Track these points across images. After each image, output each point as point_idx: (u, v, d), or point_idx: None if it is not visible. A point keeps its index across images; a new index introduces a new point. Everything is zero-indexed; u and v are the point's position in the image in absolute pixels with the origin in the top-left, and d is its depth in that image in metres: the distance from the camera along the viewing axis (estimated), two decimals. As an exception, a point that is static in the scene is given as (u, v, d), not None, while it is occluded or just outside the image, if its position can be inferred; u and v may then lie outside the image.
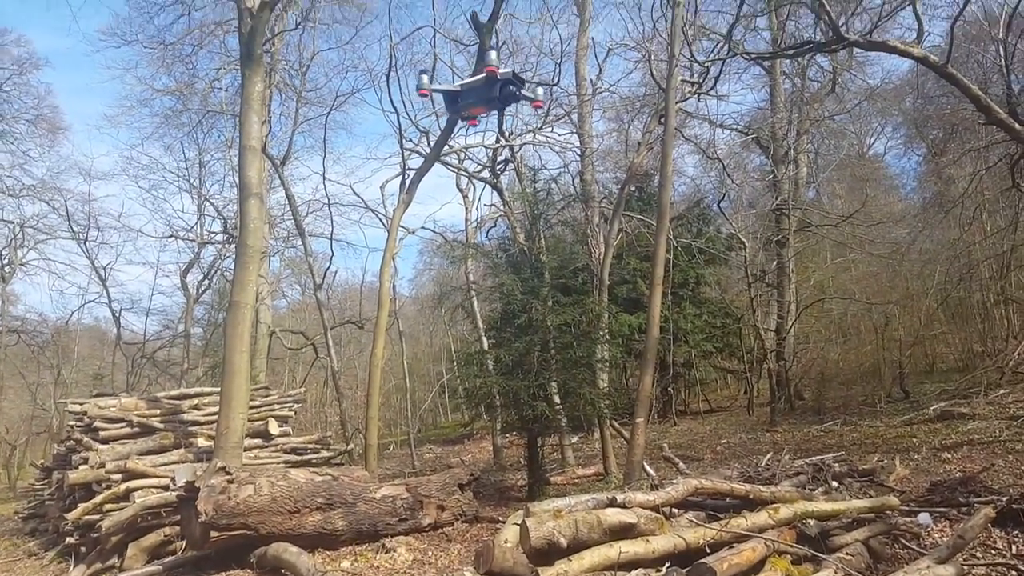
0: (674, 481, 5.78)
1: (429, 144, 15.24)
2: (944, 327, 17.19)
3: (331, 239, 20.84)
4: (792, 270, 19.50)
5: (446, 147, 13.85)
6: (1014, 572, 5.21)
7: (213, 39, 19.89)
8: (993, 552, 5.61)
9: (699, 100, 17.38)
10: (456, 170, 18.33)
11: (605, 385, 13.79)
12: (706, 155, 19.28)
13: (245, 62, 9.47)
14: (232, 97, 19.85)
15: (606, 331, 13.27)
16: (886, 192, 25.71)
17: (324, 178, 19.64)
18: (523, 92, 6.98)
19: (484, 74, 6.93)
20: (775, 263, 19.58)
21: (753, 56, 18.09)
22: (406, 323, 29.77)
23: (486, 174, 17.52)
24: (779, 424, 15.28)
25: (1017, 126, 10.29)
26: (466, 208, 19.34)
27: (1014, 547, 5.63)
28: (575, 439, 16.91)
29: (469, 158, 18.14)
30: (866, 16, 15.83)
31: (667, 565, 4.59)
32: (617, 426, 13.88)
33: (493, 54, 6.69)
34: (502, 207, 17.29)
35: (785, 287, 18.83)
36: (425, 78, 7.61)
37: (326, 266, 22.11)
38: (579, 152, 18.16)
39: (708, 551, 4.72)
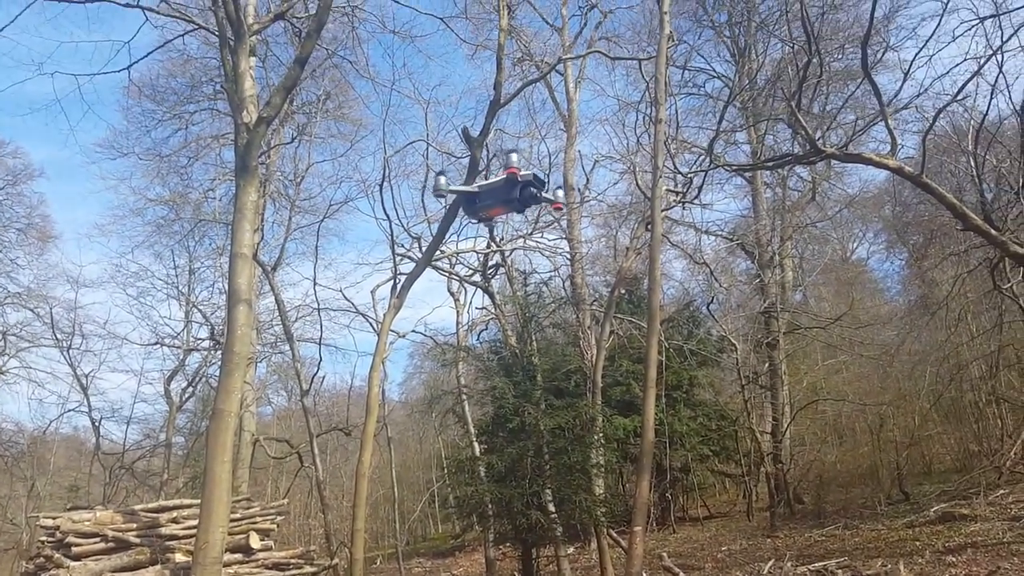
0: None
1: (421, 249, 15.54)
2: (939, 427, 17.08)
3: (320, 344, 20.69)
4: (784, 372, 19.53)
5: (437, 252, 14.11)
6: None
7: (209, 151, 20.62)
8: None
9: (684, 208, 17.95)
10: (447, 274, 18.59)
11: (601, 491, 13.40)
12: (693, 260, 19.71)
13: (240, 173, 9.67)
14: (226, 206, 20.31)
15: (601, 435, 13.04)
16: (871, 295, 26.21)
17: (315, 283, 19.78)
18: (543, 194, 7.07)
19: (504, 175, 6.94)
20: (767, 365, 19.62)
21: (734, 168, 18.96)
22: (395, 429, 29.15)
23: (477, 278, 17.76)
24: (780, 529, 14.86)
25: (993, 232, 10.67)
26: (457, 311, 19.45)
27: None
28: (571, 550, 16.25)
29: (460, 262, 18.45)
30: (842, 130, 16.80)
31: None
32: (615, 535, 13.39)
33: (515, 156, 6.79)
34: (493, 310, 17.42)
35: (778, 389, 18.79)
36: (443, 179, 7.70)
37: (314, 372, 21.89)
38: (569, 257, 18.56)
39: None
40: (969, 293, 16.92)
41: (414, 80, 32.04)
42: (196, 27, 12.10)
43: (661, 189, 13.63)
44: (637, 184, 16.78)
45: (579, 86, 20.69)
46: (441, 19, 13.84)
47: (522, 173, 6.78)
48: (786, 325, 19.86)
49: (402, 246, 17.16)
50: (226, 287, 11.45)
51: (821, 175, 22.23)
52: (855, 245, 29.93)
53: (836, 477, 17.20)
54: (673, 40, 14.09)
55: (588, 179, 19.30)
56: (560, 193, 7.36)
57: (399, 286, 12.64)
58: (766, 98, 21.25)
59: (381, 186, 14.09)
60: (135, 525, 10.60)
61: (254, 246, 11.59)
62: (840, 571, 7.32)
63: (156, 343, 24.28)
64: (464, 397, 16.30)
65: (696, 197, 16.75)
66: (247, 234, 9.78)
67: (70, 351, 23.76)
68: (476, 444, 14.78)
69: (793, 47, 16.78)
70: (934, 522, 12.01)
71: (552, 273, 18.66)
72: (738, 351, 17.94)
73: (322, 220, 19.35)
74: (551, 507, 11.40)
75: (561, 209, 7.90)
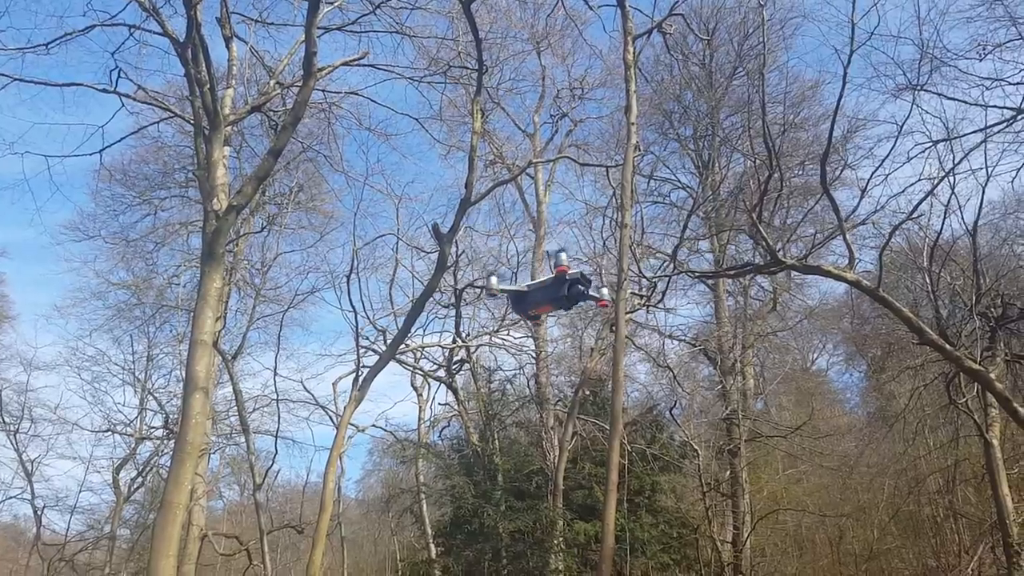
0: None
1: (385, 342, 15.52)
2: (897, 541, 16.98)
3: (276, 437, 20.10)
4: (746, 480, 19.40)
5: (402, 345, 14.12)
6: None
7: (176, 237, 20.61)
8: None
9: (648, 312, 18.35)
10: (411, 368, 18.48)
11: (559, 601, 12.92)
12: (656, 363, 19.95)
13: (206, 260, 9.66)
14: (190, 293, 20.10)
15: (561, 539, 12.70)
16: (831, 405, 26.56)
17: (275, 373, 19.43)
18: (589, 291, 7.21)
19: (553, 274, 7.08)
20: (728, 472, 19.51)
21: (697, 275, 19.57)
22: (349, 528, 27.95)
23: (441, 373, 17.70)
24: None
25: (948, 347, 11.09)
26: (420, 407, 19.24)
27: None
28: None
29: (425, 357, 18.41)
30: (802, 242, 17.61)
31: None
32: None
33: (564, 255, 6.95)
34: (456, 407, 17.26)
35: (739, 497, 18.61)
36: (494, 279, 7.86)
37: (268, 465, 21.12)
38: (534, 355, 18.65)
39: None
40: (926, 407, 17.27)
41: (387, 176, 32.64)
42: (172, 115, 12.40)
43: (626, 292, 13.97)
44: (603, 286, 17.19)
45: (549, 189, 21.50)
46: (416, 120, 14.40)
47: (570, 272, 6.94)
48: (747, 433, 19.93)
49: (367, 338, 17.16)
50: (184, 374, 11.23)
51: (782, 286, 23.01)
52: (815, 356, 30.58)
53: (797, 590, 16.85)
54: (639, 150, 14.88)
55: (556, 280, 19.70)
56: (605, 291, 7.54)
57: (361, 379, 12.56)
58: (729, 209, 22.23)
59: (348, 277, 14.21)
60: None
61: (215, 334, 11.48)
62: None
63: (108, 430, 23.38)
64: (423, 496, 15.86)
65: (660, 301, 17.19)
66: (209, 321, 9.71)
67: (17, 435, 22.75)
68: (432, 546, 14.28)
69: (755, 162, 17.81)
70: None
71: (517, 371, 18.71)
72: (700, 457, 17.87)
73: (286, 309, 19.31)
74: (507, 616, 10.94)
75: (607, 307, 8.05)
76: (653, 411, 22.48)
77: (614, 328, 13.16)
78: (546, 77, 20.78)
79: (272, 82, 12.61)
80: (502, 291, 8.06)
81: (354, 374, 14.59)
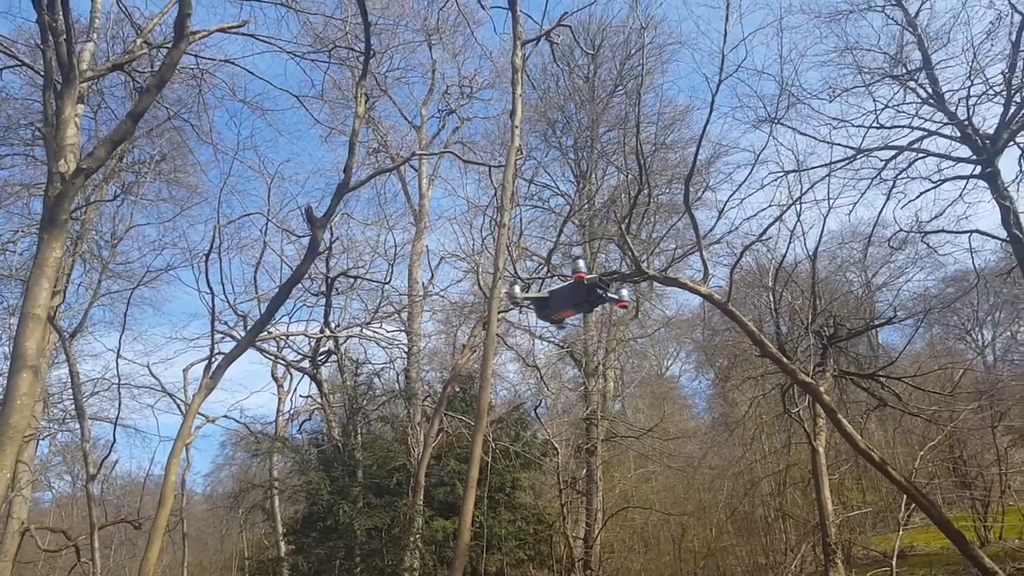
0: None
1: (246, 328, 14.76)
2: (733, 539, 18.35)
3: (116, 423, 18.52)
4: (600, 478, 20.25)
5: (264, 333, 13.49)
6: None
7: (16, 200, 18.54)
8: None
9: (521, 312, 18.70)
10: (273, 358, 17.71)
11: (411, 597, 12.85)
12: (525, 363, 20.37)
13: (46, 226, 8.82)
14: (26, 262, 18.15)
15: (419, 536, 12.63)
16: (680, 410, 28.31)
17: (119, 355, 17.74)
18: (609, 293, 7.20)
19: (572, 280, 7.06)
20: (585, 471, 20.27)
21: (568, 279, 20.22)
22: (194, 524, 26.36)
23: (306, 364, 17.08)
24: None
25: (785, 360, 12.11)
26: (280, 398, 18.44)
27: None
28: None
29: (289, 346, 17.71)
30: (664, 256, 18.61)
31: None
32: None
33: (581, 262, 6.97)
34: (319, 399, 16.71)
35: (593, 495, 19.38)
36: (517, 289, 7.76)
37: (105, 454, 19.42)
38: (406, 349, 18.45)
39: None
40: (763, 415, 18.80)
41: (260, 153, 30.94)
42: (19, 64, 11.23)
43: (500, 290, 14.19)
44: (479, 284, 17.34)
45: (432, 183, 21.38)
46: (297, 97, 13.79)
47: (588, 277, 6.95)
48: (605, 433, 20.81)
49: (225, 323, 16.23)
50: (11, 351, 10.13)
51: (644, 295, 24.28)
52: (669, 362, 32.49)
53: (639, 585, 17.80)
54: (522, 153, 15.15)
55: (433, 274, 19.65)
56: (625, 292, 7.53)
57: (215, 365, 11.86)
58: (601, 219, 23.19)
59: (208, 256, 13.33)
60: None
61: (51, 308, 10.44)
62: None
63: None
64: (275, 491, 15.23)
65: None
66: (44, 293, 8.84)
67: None
68: (282, 543, 13.74)
69: (627, 177, 18.69)
70: (725, 630, 12.68)
71: (387, 364, 18.43)
72: (560, 455, 18.43)
73: (136, 286, 17.82)
74: (357, 614, 10.74)
75: (626, 306, 8.06)
76: (519, 409, 22.92)
77: (486, 326, 13.32)
78: (436, 71, 20.62)
79: (139, 41, 11.63)
80: (526, 299, 8.08)
81: (208, 360, 13.70)
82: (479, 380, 14.40)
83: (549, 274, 16.81)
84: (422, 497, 14.54)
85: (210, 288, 13.88)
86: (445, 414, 16.92)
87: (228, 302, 16.61)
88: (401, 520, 12.14)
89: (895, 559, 14.64)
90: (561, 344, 23.38)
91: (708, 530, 17.76)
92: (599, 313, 25.63)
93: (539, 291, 16.38)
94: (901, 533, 15.75)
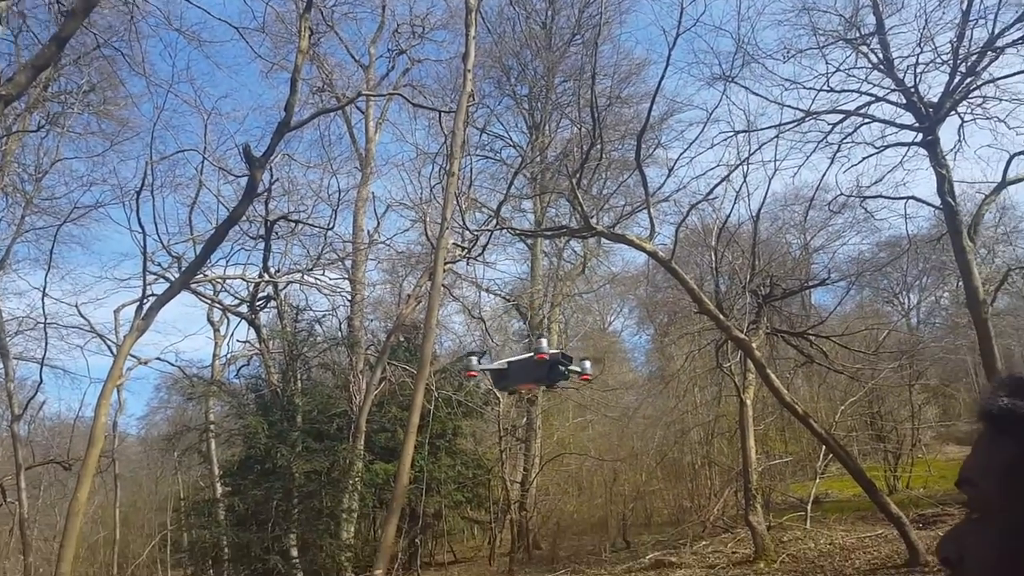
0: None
1: (180, 270, 14.35)
2: (661, 484, 19.23)
3: (42, 364, 17.88)
4: (539, 426, 20.75)
5: (200, 275, 13.14)
6: None
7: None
8: None
9: (468, 264, 18.68)
10: (210, 301, 17.30)
11: (349, 536, 13.05)
12: (471, 315, 20.47)
13: (-32, 154, 8.39)
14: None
15: (358, 479, 12.77)
16: (620, 363, 29.04)
17: (44, 294, 16.99)
18: (571, 367, 7.02)
19: (535, 359, 6.83)
20: (525, 419, 20.72)
21: (517, 232, 20.27)
22: (128, 466, 26.03)
23: (243, 309, 16.75)
24: (517, 573, 15.73)
25: (721, 317, 12.53)
26: (216, 343, 18.10)
27: None
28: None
29: (226, 290, 17.30)
30: (613, 212, 18.77)
31: None
32: (357, 581, 13.05)
33: (544, 342, 6.74)
34: (258, 345, 16.47)
35: (532, 441, 19.90)
36: (474, 359, 7.47)
37: (32, 395, 18.80)
38: (349, 297, 18.27)
39: None
40: (697, 369, 19.45)
41: (196, 87, 29.31)
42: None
43: (447, 241, 14.10)
44: (426, 234, 17.19)
45: (380, 127, 20.85)
46: (236, 28, 13.13)
47: (551, 352, 6.80)
48: (547, 383, 21.21)
49: (158, 264, 15.73)
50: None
51: (592, 251, 24.55)
52: (612, 318, 33.13)
53: (572, 525, 18.59)
54: (474, 99, 14.88)
55: (379, 222, 19.37)
56: (588, 364, 7.38)
57: (147, 307, 11.55)
58: (553, 173, 23.15)
59: (139, 194, 12.81)
60: None
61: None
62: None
63: None
64: (212, 434, 15.10)
65: (480, 255, 17.58)
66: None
67: None
68: (219, 485, 13.70)
69: (580, 130, 18.65)
70: (647, 568, 13.55)
71: (328, 312, 18.22)
72: (501, 404, 18.76)
73: (63, 223, 17.04)
74: (294, 552, 10.86)
75: (588, 380, 7.96)
76: (464, 360, 23.16)
77: (432, 277, 13.29)
78: (386, 8, 19.88)
79: (63, -43, 10.87)
80: (484, 370, 7.90)
81: (140, 302, 13.28)
82: (423, 330, 14.46)
83: (498, 226, 16.81)
84: (363, 442, 14.66)
85: (141, 227, 13.40)
86: (388, 363, 16.94)
87: (161, 242, 16.03)
88: (341, 464, 12.26)
89: (810, 504, 15.59)
90: (507, 297, 23.57)
91: (639, 475, 18.54)
92: (546, 268, 25.89)
93: (467, 242, 16.35)
94: (818, 481, 16.74)
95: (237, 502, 10.68)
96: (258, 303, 16.34)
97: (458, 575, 17.66)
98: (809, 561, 11.87)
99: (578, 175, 13.18)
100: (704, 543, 14.64)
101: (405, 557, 19.40)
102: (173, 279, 13.07)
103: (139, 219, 13.07)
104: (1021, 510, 0.54)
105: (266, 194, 14.80)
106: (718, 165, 13.79)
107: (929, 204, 14.31)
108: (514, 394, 8.84)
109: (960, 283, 13.51)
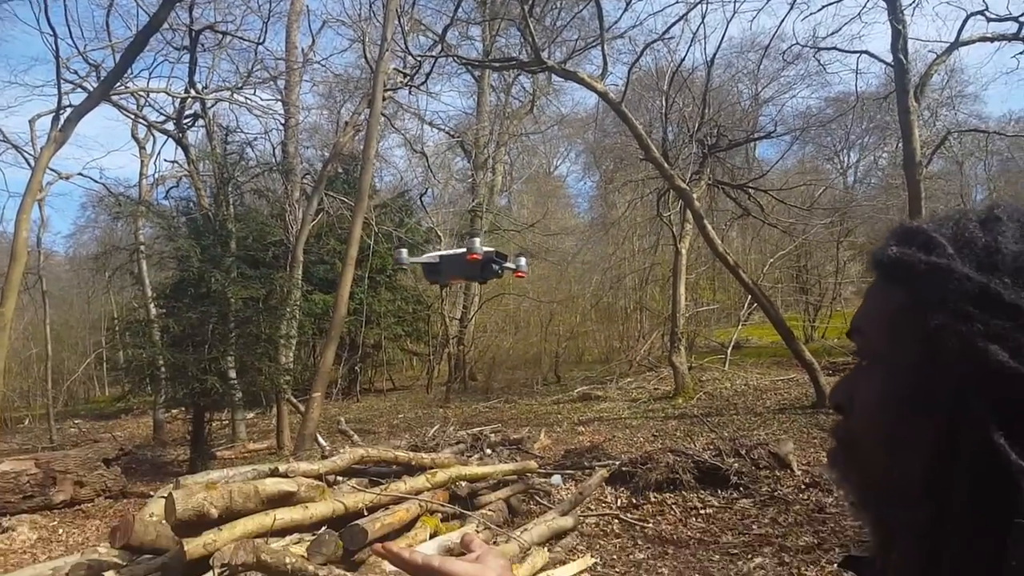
0: (341, 451, 5.83)
1: (99, 79, 13.16)
2: (594, 325, 20.16)
3: (-47, 176, 16.70)
4: (480, 267, 21.03)
5: (121, 87, 12.09)
6: (616, 520, 6.27)
7: None
8: (604, 505, 6.69)
9: (411, 93, 17.78)
10: (133, 116, 16.12)
11: (288, 361, 13.33)
12: (413, 148, 19.84)
13: None
14: None
15: (296, 307, 12.80)
16: (564, 208, 29.17)
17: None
18: (506, 264, 6.55)
19: (467, 258, 6.28)
20: (466, 259, 20.92)
21: (463, 61, 19.17)
22: (56, 284, 25.44)
23: (170, 126, 15.70)
24: (452, 401, 16.61)
25: (666, 165, 12.47)
26: (142, 161, 17.10)
27: (619, 500, 6.78)
28: (251, 415, 16.06)
29: (150, 104, 16.09)
30: (566, 48, 17.85)
31: (323, 528, 4.63)
32: (295, 402, 13.47)
33: (477, 241, 6.18)
34: (187, 166, 15.64)
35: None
36: (404, 252, 6.84)
37: (-58, 207, 17.72)
38: (283, 121, 17.30)
39: (366, 514, 4.86)
40: (638, 217, 19.75)
41: None
42: None
43: (387, 65, 13.25)
44: (365, 56, 16.10)
45: (317, -67, 18.72)
46: None
47: (484, 251, 6.29)
48: (489, 225, 21.25)
49: (75, 72, 14.36)
50: None
51: (541, 89, 23.65)
52: (559, 162, 32.76)
53: (507, 360, 19.54)
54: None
55: (314, 40, 17.98)
56: (523, 262, 6.88)
57: (64, 118, 10.66)
58: (503, -3, 21.62)
59: (49, -12, 11.36)
60: None
61: None
62: (492, 435, 8.55)
63: None
64: (142, 256, 14.67)
65: (424, 83, 16.68)
66: None
67: None
68: (152, 307, 13.53)
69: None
70: (575, 400, 14.44)
71: (261, 135, 17.30)
72: (443, 243, 18.78)
73: (-38, 18, 15.15)
74: (232, 374, 11.01)
75: (523, 276, 7.46)
76: (405, 196, 22.74)
77: (371, 104, 12.59)
78: None
79: None
80: (414, 263, 7.34)
81: (56, 112, 12.22)
82: (361, 161, 13.94)
83: (443, 53, 15.81)
84: (300, 272, 14.55)
85: (52, 29, 12.00)
86: (326, 194, 16.47)
87: (76, 48, 14.48)
88: (278, 293, 12.17)
89: (730, 348, 16.67)
90: (452, 133, 22.78)
91: (574, 317, 19.32)
92: (493, 104, 24.94)
93: (410, 69, 15.44)
94: (740, 327, 17.80)
95: (172, 323, 10.58)
96: (185, 121, 15.27)
97: (396, 400, 18.56)
98: (724, 399, 12.81)
99: (531, 2, 12.33)
100: (629, 379, 15.62)
101: (345, 383, 20.18)
102: (92, 89, 11.98)
103: (48, 19, 11.74)
104: (903, 355, 0.54)
105: (190, 0, 13.38)
106: (677, 2, 13.01)
107: (881, 60, 14.08)
108: (446, 287, 8.83)
109: (900, 144, 13.68)
